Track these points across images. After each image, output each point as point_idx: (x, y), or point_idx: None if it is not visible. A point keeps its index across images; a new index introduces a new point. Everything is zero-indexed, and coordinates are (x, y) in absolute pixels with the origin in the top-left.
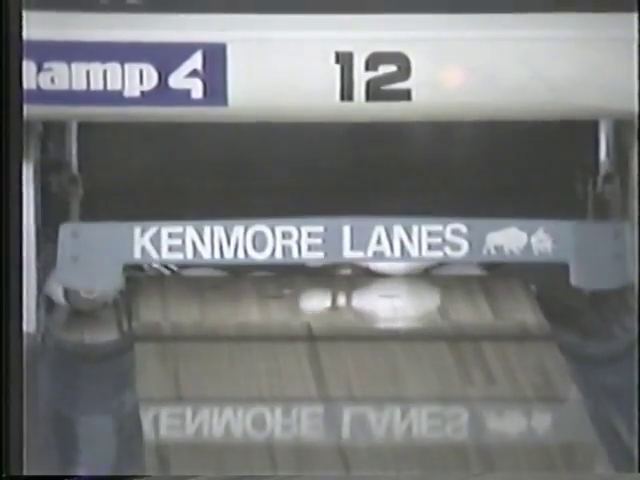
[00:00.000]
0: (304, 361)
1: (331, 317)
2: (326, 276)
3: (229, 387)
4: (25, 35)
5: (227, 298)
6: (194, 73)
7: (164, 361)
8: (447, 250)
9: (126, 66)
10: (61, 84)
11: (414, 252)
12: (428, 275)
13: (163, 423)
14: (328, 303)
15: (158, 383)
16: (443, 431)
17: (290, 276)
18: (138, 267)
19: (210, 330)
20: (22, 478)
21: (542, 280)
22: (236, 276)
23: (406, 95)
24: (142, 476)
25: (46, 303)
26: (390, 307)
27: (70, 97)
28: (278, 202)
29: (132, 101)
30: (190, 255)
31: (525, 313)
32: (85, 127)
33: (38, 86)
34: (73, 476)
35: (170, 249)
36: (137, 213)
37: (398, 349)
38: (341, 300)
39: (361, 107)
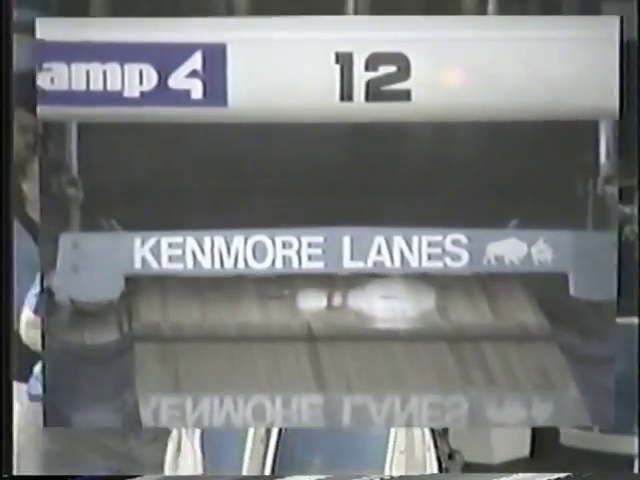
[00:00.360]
0: (304, 361)
1: (331, 317)
2: (326, 276)
3: (229, 387)
4: None
5: (227, 298)
6: (194, 73)
7: (164, 361)
8: (447, 260)
9: (126, 66)
10: (61, 84)
11: (414, 262)
12: (428, 275)
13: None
14: (328, 303)
15: (158, 383)
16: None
17: (290, 276)
18: None
19: (210, 330)
20: (22, 478)
21: (542, 287)
22: (236, 276)
23: (406, 95)
24: (142, 476)
25: (46, 304)
26: (390, 307)
27: (70, 97)
28: (277, 202)
29: (132, 101)
30: (190, 265)
31: (525, 314)
32: (85, 128)
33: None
34: (73, 476)
35: (170, 259)
36: (138, 214)
37: (398, 349)
38: (341, 300)
39: (361, 107)
